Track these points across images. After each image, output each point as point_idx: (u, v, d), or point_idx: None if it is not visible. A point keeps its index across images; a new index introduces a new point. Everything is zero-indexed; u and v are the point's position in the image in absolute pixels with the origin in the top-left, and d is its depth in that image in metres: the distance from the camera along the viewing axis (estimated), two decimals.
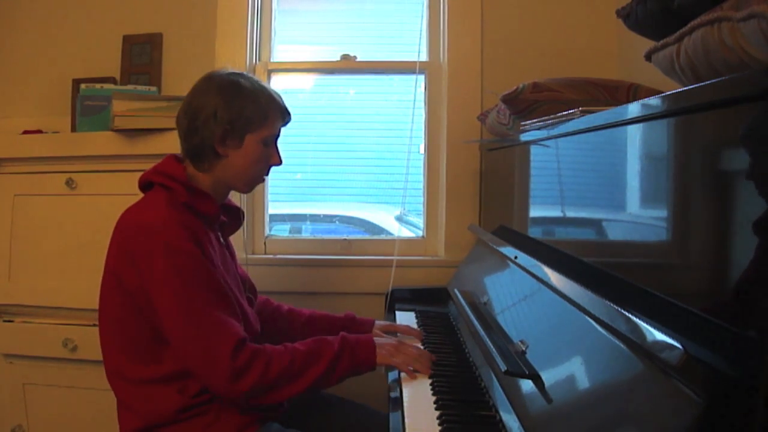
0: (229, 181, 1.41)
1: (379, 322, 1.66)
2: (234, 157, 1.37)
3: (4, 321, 1.97)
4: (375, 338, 1.38)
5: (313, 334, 1.58)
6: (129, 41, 2.23)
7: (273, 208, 2.33)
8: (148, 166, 1.88)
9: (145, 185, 1.40)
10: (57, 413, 1.96)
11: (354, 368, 1.33)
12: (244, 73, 1.43)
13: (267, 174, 1.47)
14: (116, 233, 1.33)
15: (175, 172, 1.35)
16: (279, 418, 1.39)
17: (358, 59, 2.30)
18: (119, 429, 1.34)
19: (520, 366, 1.06)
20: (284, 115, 1.43)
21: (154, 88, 2.07)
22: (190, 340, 1.23)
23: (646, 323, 0.78)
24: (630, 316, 0.82)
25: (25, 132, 2.07)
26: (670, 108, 0.82)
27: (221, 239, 1.45)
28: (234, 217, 1.52)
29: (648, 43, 0.96)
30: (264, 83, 1.43)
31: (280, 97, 1.43)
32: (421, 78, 2.26)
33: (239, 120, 1.35)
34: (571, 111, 1.19)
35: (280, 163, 1.44)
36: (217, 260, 1.35)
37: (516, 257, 1.44)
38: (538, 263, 1.28)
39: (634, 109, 0.93)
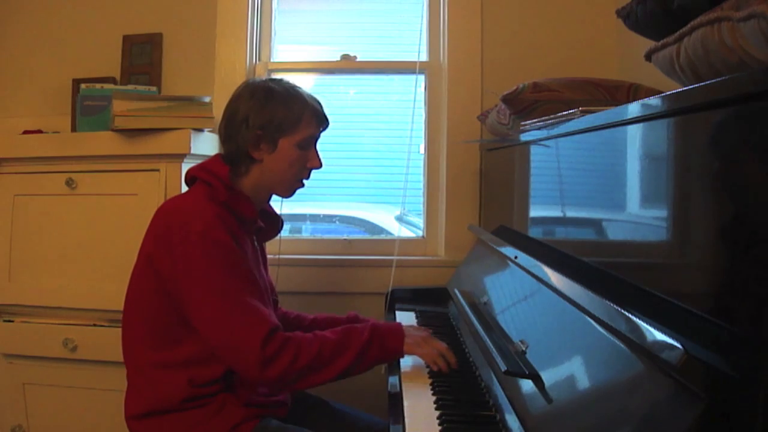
0: (268, 185, 1.43)
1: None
2: (269, 161, 1.39)
3: (4, 321, 1.97)
4: (404, 327, 1.37)
5: None
6: (129, 41, 2.23)
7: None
8: (148, 166, 1.91)
9: (190, 180, 1.43)
10: (57, 413, 1.95)
11: (382, 356, 1.33)
12: (282, 79, 1.44)
13: (307, 177, 1.47)
14: (155, 219, 1.36)
15: (219, 171, 1.37)
16: (281, 415, 1.39)
17: (358, 59, 2.30)
18: (124, 411, 1.36)
19: (520, 366, 1.06)
20: (319, 119, 1.44)
21: (154, 88, 2.07)
22: (221, 325, 1.24)
23: (646, 323, 0.78)
24: (630, 316, 0.82)
25: (25, 132, 2.07)
26: (670, 108, 0.82)
27: (256, 244, 1.46)
28: (272, 225, 1.54)
29: (648, 43, 0.96)
30: (299, 88, 1.44)
31: (316, 101, 1.45)
32: (421, 78, 2.26)
33: (270, 125, 1.37)
34: (571, 111, 1.20)
35: (319, 165, 1.45)
36: (250, 259, 1.36)
37: (516, 257, 1.44)
38: (538, 263, 1.28)
39: (634, 109, 0.93)
